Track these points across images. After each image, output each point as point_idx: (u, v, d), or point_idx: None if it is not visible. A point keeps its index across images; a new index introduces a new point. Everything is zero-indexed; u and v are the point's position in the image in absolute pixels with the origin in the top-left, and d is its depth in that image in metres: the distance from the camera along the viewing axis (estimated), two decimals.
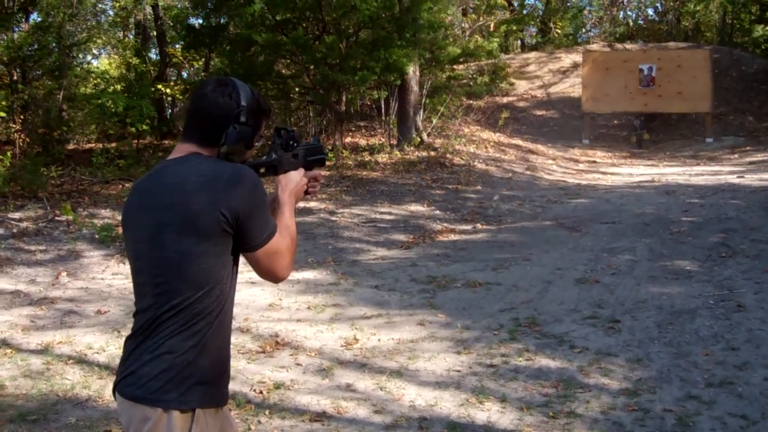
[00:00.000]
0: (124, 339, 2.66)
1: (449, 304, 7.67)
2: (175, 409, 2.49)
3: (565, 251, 9.69)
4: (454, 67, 19.81)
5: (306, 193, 2.92)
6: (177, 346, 2.50)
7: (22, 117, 16.41)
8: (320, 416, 5.20)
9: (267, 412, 5.25)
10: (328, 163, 16.28)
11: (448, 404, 5.38)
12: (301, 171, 2.87)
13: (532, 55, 28.88)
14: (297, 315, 7.34)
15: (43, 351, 6.34)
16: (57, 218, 10.98)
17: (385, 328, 6.98)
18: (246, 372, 5.96)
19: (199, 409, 2.52)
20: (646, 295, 7.65)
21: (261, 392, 5.57)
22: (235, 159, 2.66)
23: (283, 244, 2.65)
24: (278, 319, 7.22)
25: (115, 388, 2.61)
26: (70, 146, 18.92)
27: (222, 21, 17.35)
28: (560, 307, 7.42)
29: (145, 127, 15.03)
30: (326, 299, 7.85)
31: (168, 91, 17.21)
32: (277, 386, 5.67)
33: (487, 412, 5.25)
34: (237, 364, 6.11)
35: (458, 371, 5.96)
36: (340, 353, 6.37)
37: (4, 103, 14.76)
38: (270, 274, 2.67)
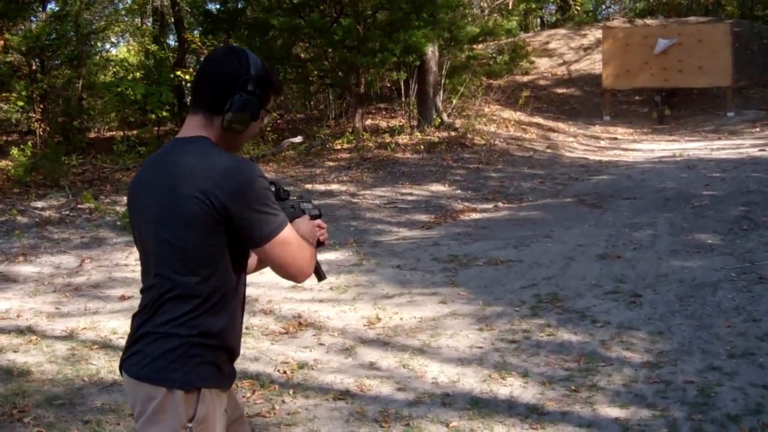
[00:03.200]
0: None
1: (471, 282, 7.70)
2: (179, 388, 2.49)
3: (587, 227, 9.69)
4: (474, 46, 19.72)
5: (319, 243, 2.82)
6: (182, 327, 2.51)
7: (41, 106, 16.54)
8: (344, 394, 5.26)
9: (291, 392, 5.32)
10: (348, 145, 16.33)
11: (471, 380, 5.42)
12: (306, 218, 2.80)
13: (554, 32, 28.70)
14: (319, 296, 7.41)
15: (68, 337, 6.44)
16: (79, 206, 11.11)
17: (408, 306, 7.03)
18: (269, 353, 6.03)
19: (204, 389, 2.53)
20: (667, 269, 7.65)
21: (285, 372, 5.64)
22: (239, 129, 2.61)
23: (295, 239, 2.57)
24: (301, 300, 7.29)
25: (122, 366, 2.63)
26: (91, 135, 19.08)
27: (239, 5, 17.40)
28: (582, 282, 7.43)
29: (165, 113, 15.13)
30: (348, 280, 7.91)
31: (187, 77, 17.26)
32: (301, 366, 5.74)
33: (510, 387, 5.29)
34: (260, 345, 6.19)
35: (480, 348, 6.00)
36: (363, 332, 6.42)
37: (24, 93, 14.89)
38: (284, 272, 2.59)
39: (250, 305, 7.09)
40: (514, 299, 7.08)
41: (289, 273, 2.61)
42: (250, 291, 7.27)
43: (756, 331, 5.97)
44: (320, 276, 2.97)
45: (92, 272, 8.44)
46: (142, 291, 2.64)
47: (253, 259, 2.84)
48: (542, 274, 7.78)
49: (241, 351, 5.93)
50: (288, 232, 2.55)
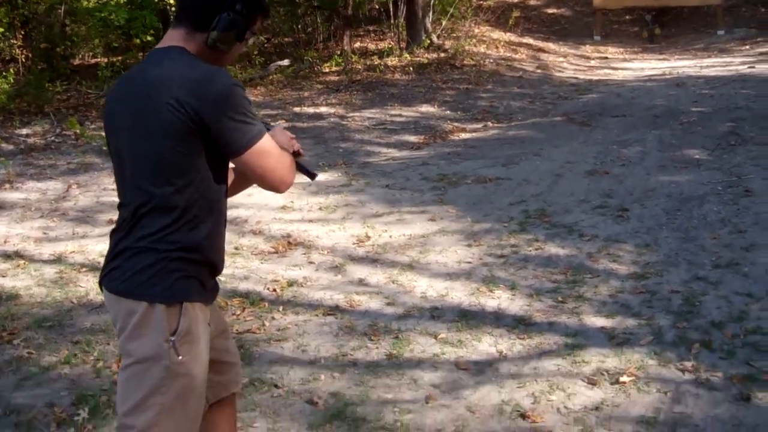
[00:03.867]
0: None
1: (460, 199, 7.72)
2: (161, 302, 2.47)
3: (576, 145, 9.68)
4: None
5: (295, 154, 2.75)
6: (160, 242, 2.48)
7: (23, 33, 16.26)
8: (333, 310, 5.32)
9: (281, 309, 5.37)
10: (336, 68, 16.18)
11: (459, 294, 5.48)
12: (280, 128, 2.75)
13: None
14: (309, 216, 7.43)
15: (57, 261, 6.45)
16: (65, 132, 11.04)
17: (397, 224, 7.05)
18: (259, 272, 6.07)
19: (186, 302, 2.51)
20: (655, 184, 7.68)
21: (274, 290, 5.68)
22: (223, 48, 2.58)
23: (273, 148, 2.54)
24: (290, 220, 7.30)
25: (101, 283, 2.62)
26: (76, 61, 18.81)
27: None
28: (570, 198, 7.46)
29: (149, 38, 14.85)
30: (338, 200, 7.92)
31: (171, 0, 16.99)
32: (290, 284, 5.78)
33: (497, 299, 5.35)
34: (250, 264, 6.23)
35: (469, 263, 6.04)
36: (352, 250, 6.46)
37: (4, 20, 14.63)
38: (266, 181, 2.56)
39: (239, 226, 7.12)
40: (503, 215, 7.11)
41: (271, 182, 2.58)
42: (239, 213, 7.31)
43: (741, 242, 6.02)
44: (310, 174, 2.91)
45: (79, 197, 8.42)
46: (119, 207, 2.61)
47: (234, 179, 2.83)
48: (531, 191, 7.80)
49: (231, 270, 6.03)
50: (266, 141, 2.52)
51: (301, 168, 2.84)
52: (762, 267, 5.54)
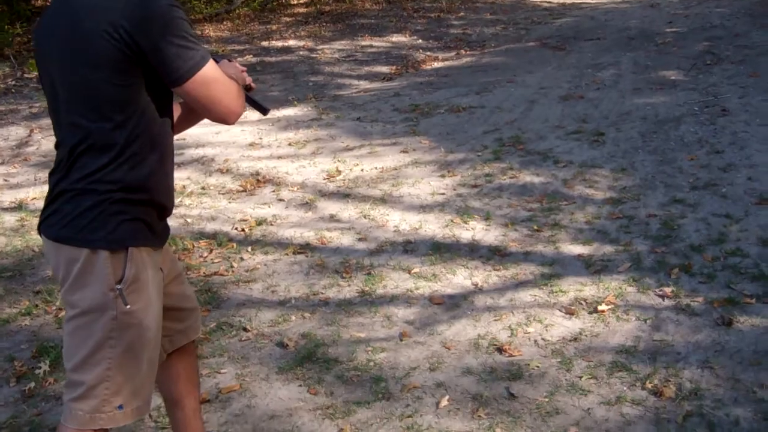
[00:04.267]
0: None
1: (433, 130, 7.53)
2: (104, 248, 2.29)
3: (550, 70, 9.48)
4: None
5: (247, 88, 2.57)
6: (100, 183, 2.29)
7: None
8: (304, 248, 5.17)
9: (249, 249, 5.21)
10: (304, 0, 15.80)
11: (433, 226, 5.34)
12: (227, 60, 2.56)
13: None
14: (278, 152, 7.22)
15: (18, 208, 6.22)
16: (26, 76, 10.71)
17: (368, 158, 6.87)
18: (227, 211, 5.89)
19: (132, 247, 2.34)
20: (630, 106, 7.52)
21: (243, 230, 5.51)
22: None
23: (219, 75, 2.33)
24: (259, 157, 7.10)
25: (40, 228, 2.43)
26: (38, 2, 18.28)
27: None
28: (544, 124, 7.29)
29: None
30: (307, 134, 7.71)
31: None
32: (259, 223, 5.61)
33: (472, 231, 5.21)
34: (217, 204, 6.05)
35: (442, 194, 5.89)
36: (323, 186, 6.29)
37: None
38: (212, 112, 2.36)
39: (206, 165, 6.92)
40: (476, 145, 6.94)
41: (218, 113, 2.36)
42: (206, 151, 7.11)
43: (719, 162, 5.90)
44: (263, 109, 2.73)
45: (42, 142, 8.16)
46: (56, 146, 2.41)
47: (180, 113, 2.63)
48: (505, 119, 7.62)
49: (198, 211, 5.86)
50: (211, 67, 2.30)
51: (253, 103, 2.66)
52: (740, 187, 5.42)
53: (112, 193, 2.30)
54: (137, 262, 2.35)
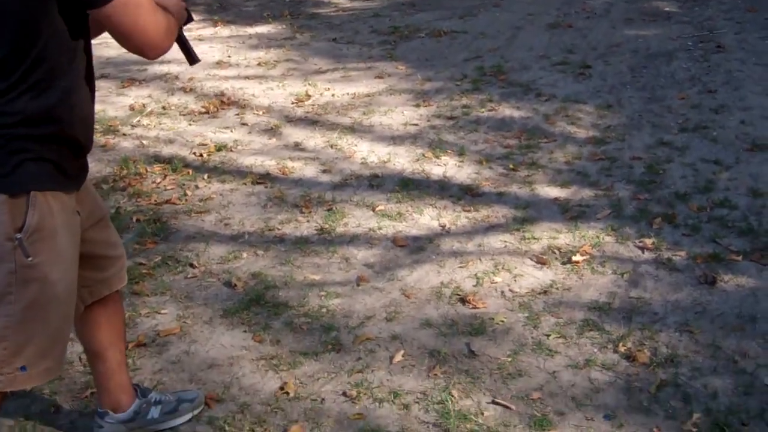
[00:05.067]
0: None
1: (411, 54, 7.13)
2: (1, 192, 1.97)
3: None
4: None
5: (188, 20, 2.28)
6: None
7: None
8: (263, 178, 4.82)
9: (206, 176, 4.86)
10: None
11: (402, 160, 5.00)
12: None
13: None
14: (246, 72, 6.81)
15: None
16: None
17: (341, 82, 6.48)
18: (186, 134, 5.52)
19: (36, 192, 2.02)
20: (620, 38, 7.13)
21: (201, 155, 5.15)
22: None
23: (146, 1, 1.99)
24: (225, 77, 6.69)
25: None
26: None
27: None
28: (529, 53, 6.90)
29: None
30: (279, 54, 7.28)
31: None
32: (219, 148, 5.25)
33: (443, 166, 4.88)
34: (177, 125, 5.67)
35: (416, 125, 5.53)
36: (290, 110, 5.90)
37: None
38: (131, 41, 2.00)
39: (169, 83, 6.52)
40: (456, 73, 6.55)
41: (138, 43, 2.00)
42: (170, 68, 6.71)
43: (711, 102, 5.56)
44: (192, 58, 2.42)
45: None
46: None
47: None
48: (488, 46, 7.21)
49: (156, 132, 5.50)
50: None
51: (183, 46, 2.38)
52: (732, 131, 5.10)
53: (12, 127, 1.95)
54: (42, 209, 2.03)
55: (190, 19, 2.35)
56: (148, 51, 2.04)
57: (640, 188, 4.46)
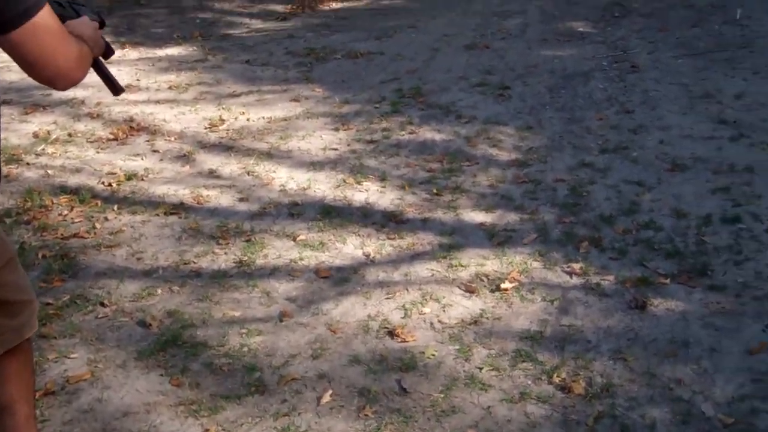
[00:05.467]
0: None
1: (328, 77, 6.99)
2: None
3: (454, 16, 9.01)
4: None
5: (108, 53, 2.11)
6: None
7: None
8: (177, 208, 4.61)
9: (116, 207, 4.62)
10: None
11: (323, 186, 4.85)
12: (86, 19, 2.03)
13: None
14: (156, 96, 6.57)
15: None
16: None
17: (256, 106, 6.30)
18: (94, 163, 5.26)
19: None
20: (537, 59, 7.13)
21: (110, 185, 4.90)
22: None
23: (55, 26, 1.78)
24: (134, 101, 6.43)
25: None
26: None
27: None
28: (447, 75, 6.83)
29: None
30: (191, 77, 7.06)
31: None
32: (129, 177, 5.01)
33: (366, 192, 4.75)
34: (83, 154, 5.41)
35: (335, 149, 5.40)
36: (204, 136, 5.70)
37: None
38: (39, 69, 1.80)
39: (75, 108, 6.24)
40: (374, 95, 6.44)
41: (47, 73, 1.77)
42: (76, 93, 6.44)
43: (629, 123, 5.57)
44: (115, 88, 2.23)
45: None
46: None
47: None
48: (405, 67, 7.13)
49: (62, 161, 5.22)
50: (46, 16, 1.73)
51: (105, 77, 2.18)
52: (651, 151, 5.10)
53: None
54: None
55: (110, 52, 2.17)
56: (58, 81, 1.84)
57: (564, 211, 4.40)
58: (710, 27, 7.76)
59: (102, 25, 2.15)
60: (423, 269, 3.91)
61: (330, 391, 3.07)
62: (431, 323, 3.48)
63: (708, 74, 6.41)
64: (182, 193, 4.79)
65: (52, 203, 4.67)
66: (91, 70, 2.05)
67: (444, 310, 3.57)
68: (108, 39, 2.05)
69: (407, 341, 3.36)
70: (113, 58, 2.16)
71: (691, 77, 6.36)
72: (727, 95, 5.92)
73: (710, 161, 4.90)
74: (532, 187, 4.71)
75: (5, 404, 2.40)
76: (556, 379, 3.08)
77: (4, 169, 5.08)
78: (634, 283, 3.70)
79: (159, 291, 3.78)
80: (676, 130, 5.39)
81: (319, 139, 5.58)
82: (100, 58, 2.13)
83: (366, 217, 4.44)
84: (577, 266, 3.85)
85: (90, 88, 6.62)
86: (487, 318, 3.50)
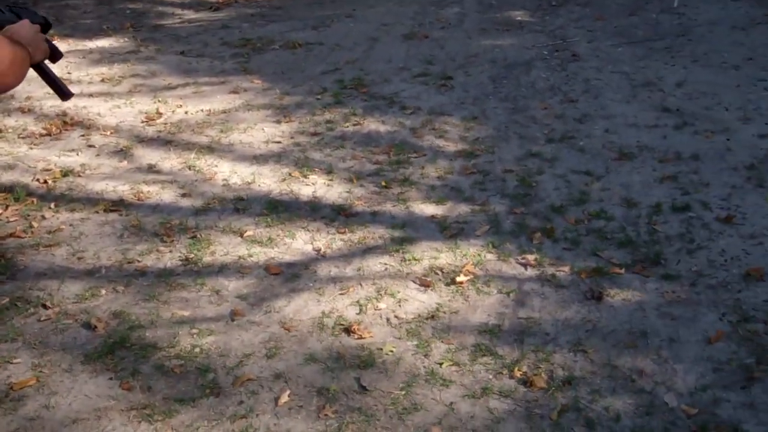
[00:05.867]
0: None
1: (266, 68, 6.85)
2: None
3: (391, 5, 8.91)
4: None
5: (55, 56, 2.02)
6: None
7: None
8: (117, 205, 4.45)
9: (53, 205, 4.44)
10: None
11: (268, 180, 4.73)
12: (27, 22, 1.91)
13: None
14: (89, 89, 6.34)
15: None
16: None
17: (193, 98, 6.13)
18: (27, 159, 5.05)
19: None
20: (477, 48, 7.09)
21: (45, 182, 4.71)
22: None
23: None
24: None
25: None
26: None
27: None
28: (388, 65, 6.75)
29: None
30: (124, 70, 6.84)
31: None
32: (65, 173, 4.82)
33: (312, 186, 4.64)
34: (16, 150, 5.19)
35: (278, 142, 5.28)
36: (141, 130, 5.52)
37: None
38: None
39: (4, 104, 5.98)
40: (315, 86, 6.32)
41: None
42: None
43: (573, 112, 5.56)
44: (63, 93, 2.14)
45: None
46: None
47: None
48: (345, 57, 7.02)
49: None
50: None
51: (51, 82, 2.09)
52: (598, 140, 5.10)
53: None
54: None
55: (58, 56, 2.05)
56: None
57: (515, 202, 4.37)
58: (647, 15, 7.82)
59: (47, 27, 2.03)
60: (376, 263, 3.83)
61: (287, 391, 2.98)
62: (387, 319, 3.41)
63: (648, 62, 6.45)
64: (121, 189, 4.63)
65: None
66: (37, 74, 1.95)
67: (400, 305, 3.51)
68: None
69: (364, 338, 3.29)
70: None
71: (631, 66, 6.39)
72: (668, 83, 5.97)
73: (656, 150, 4.92)
74: (480, 178, 4.67)
75: None
76: (518, 373, 3.05)
77: None
78: (589, 273, 3.68)
79: (103, 291, 3.64)
80: (621, 118, 5.40)
81: (261, 131, 5.46)
82: (46, 61, 2.01)
83: (314, 212, 4.35)
84: (531, 257, 3.82)
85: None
86: (444, 312, 3.44)
